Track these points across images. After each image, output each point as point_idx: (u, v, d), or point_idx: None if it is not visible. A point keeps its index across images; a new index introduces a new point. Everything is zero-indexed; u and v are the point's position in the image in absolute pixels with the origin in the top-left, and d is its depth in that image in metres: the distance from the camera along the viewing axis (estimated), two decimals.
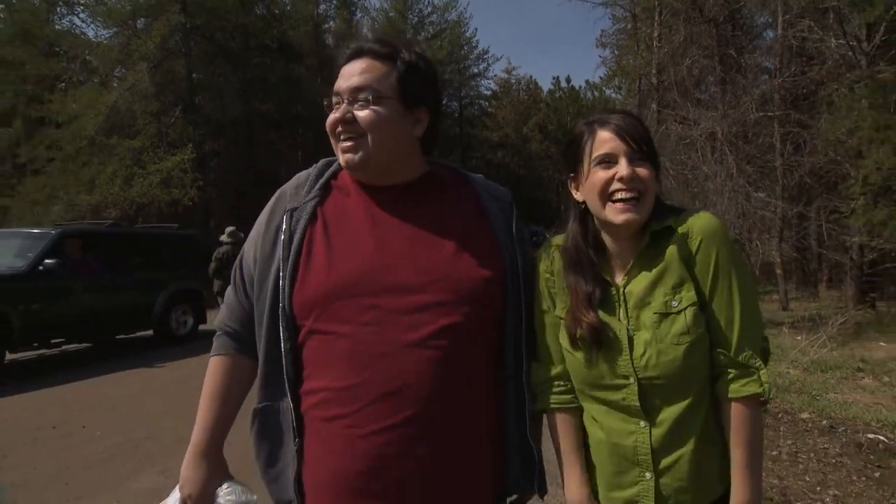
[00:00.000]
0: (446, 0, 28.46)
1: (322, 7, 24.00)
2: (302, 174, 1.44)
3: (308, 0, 23.49)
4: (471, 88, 35.09)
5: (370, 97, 1.27)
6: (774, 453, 4.51)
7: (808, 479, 4.08)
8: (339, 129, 1.29)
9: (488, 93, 38.17)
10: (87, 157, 16.28)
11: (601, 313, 1.27)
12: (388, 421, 1.24)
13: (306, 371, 1.32)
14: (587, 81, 40.89)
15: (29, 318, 6.88)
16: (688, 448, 1.27)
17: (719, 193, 11.00)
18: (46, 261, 7.07)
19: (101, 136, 15.62)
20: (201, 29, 16.48)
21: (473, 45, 30.75)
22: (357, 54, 1.31)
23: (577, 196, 1.33)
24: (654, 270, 1.27)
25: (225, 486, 1.41)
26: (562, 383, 1.40)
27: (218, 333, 1.45)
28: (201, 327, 9.49)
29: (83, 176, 16.13)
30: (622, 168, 1.21)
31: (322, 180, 1.39)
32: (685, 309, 1.22)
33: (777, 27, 12.57)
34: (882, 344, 8.88)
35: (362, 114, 1.27)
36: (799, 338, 8.45)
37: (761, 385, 1.21)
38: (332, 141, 1.33)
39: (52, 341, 7.53)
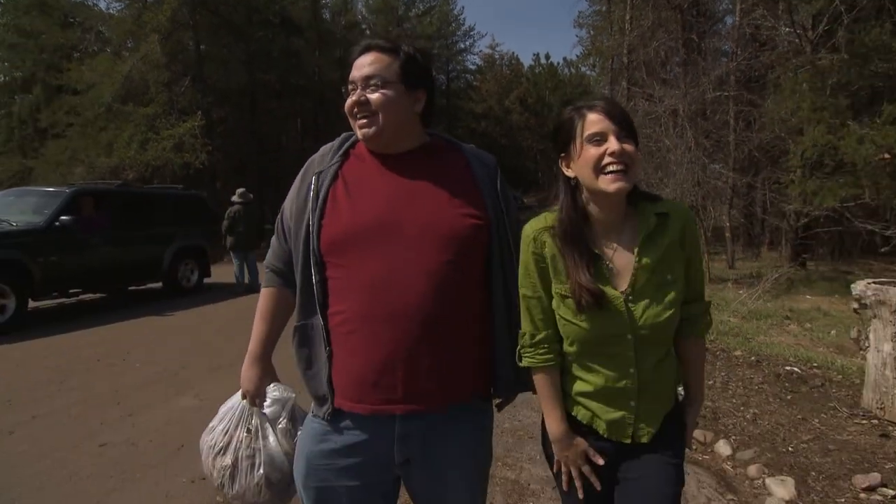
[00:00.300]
0: None
1: None
2: (326, 146, 1.57)
3: None
4: (457, 63, 34.61)
5: (379, 83, 1.40)
6: (710, 382, 4.78)
7: (734, 401, 4.42)
8: (356, 109, 1.42)
9: (473, 67, 37.76)
10: (104, 123, 15.99)
11: (599, 284, 1.36)
12: (396, 333, 1.38)
13: (331, 297, 1.45)
14: (564, 59, 40.64)
15: (48, 269, 6.83)
16: (661, 381, 1.43)
17: (679, 164, 11.19)
18: (62, 217, 6.99)
19: (117, 104, 15.36)
20: (207, 3, 16.05)
21: (461, 21, 30.20)
22: (366, 50, 1.44)
23: (569, 173, 1.38)
24: (658, 249, 1.36)
25: (272, 385, 1.59)
26: (545, 347, 1.47)
27: (266, 270, 1.63)
28: (206, 280, 9.47)
29: (101, 140, 15.87)
30: (612, 144, 1.27)
31: (342, 150, 1.52)
32: (677, 281, 1.35)
33: (735, 14, 12.55)
34: (808, 297, 9.34)
35: (373, 96, 1.40)
36: (741, 292, 8.89)
37: (710, 326, 1.47)
38: (350, 120, 1.45)
39: (70, 291, 7.51)
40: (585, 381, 1.43)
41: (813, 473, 3.18)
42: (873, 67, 8.26)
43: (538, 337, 1.45)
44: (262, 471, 1.56)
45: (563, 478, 1.48)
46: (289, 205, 1.54)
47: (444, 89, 33.04)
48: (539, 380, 1.48)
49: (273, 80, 20.09)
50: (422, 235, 1.42)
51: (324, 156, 1.53)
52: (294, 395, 1.64)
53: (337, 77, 23.28)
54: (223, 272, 10.18)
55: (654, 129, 12.06)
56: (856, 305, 4.05)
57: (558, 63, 41.12)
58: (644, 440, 1.41)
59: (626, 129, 1.30)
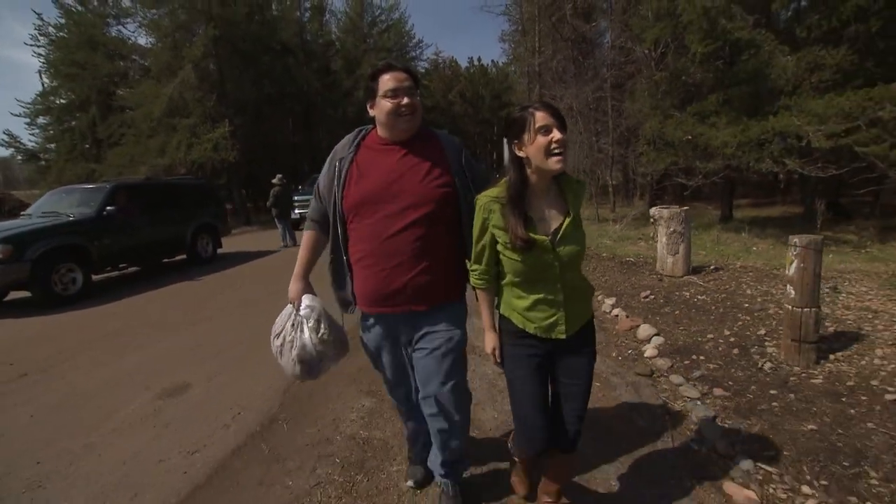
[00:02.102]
0: (391, 3, 27.88)
1: (304, 13, 23.68)
2: (346, 138, 1.71)
3: (292, 7, 23.03)
4: (411, 67, 34.50)
5: (414, 92, 1.57)
6: (591, 269, 6.33)
7: (601, 277, 5.85)
8: (404, 109, 1.56)
9: (423, 70, 37.66)
10: (152, 132, 16.60)
11: (530, 232, 1.43)
12: (391, 265, 1.59)
13: (351, 241, 1.66)
14: (492, 61, 42.03)
15: (102, 249, 6.74)
16: (578, 294, 1.56)
17: (574, 143, 12.43)
18: (108, 207, 6.92)
19: (165, 118, 16.06)
20: (226, 37, 16.62)
21: (412, 35, 30.34)
22: (395, 69, 1.59)
23: (521, 153, 1.43)
24: (577, 206, 1.49)
25: (306, 296, 1.77)
26: (484, 274, 1.59)
27: (308, 220, 1.80)
28: (219, 251, 9.31)
29: (151, 146, 16.45)
30: (556, 134, 1.35)
31: (356, 142, 1.66)
32: (581, 225, 1.52)
33: (609, 39, 13.85)
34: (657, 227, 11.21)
35: (415, 101, 1.57)
36: (617, 226, 10.28)
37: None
38: (393, 117, 1.57)
39: (120, 266, 7.39)
40: (524, 299, 1.53)
41: (630, 297, 4.99)
42: (683, 80, 10.16)
43: (478, 269, 1.59)
44: (295, 352, 1.70)
45: (494, 358, 1.65)
46: (322, 179, 1.71)
47: None
48: (479, 295, 1.66)
49: (274, 93, 20.65)
50: (405, 200, 1.57)
51: (343, 146, 1.68)
52: (320, 304, 1.77)
53: (319, 85, 23.96)
54: (229, 244, 10.11)
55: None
56: (652, 220, 6.18)
57: (487, 65, 42.19)
58: (570, 334, 1.53)
59: (562, 123, 1.38)
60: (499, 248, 1.49)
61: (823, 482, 1.98)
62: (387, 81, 1.55)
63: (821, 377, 2.87)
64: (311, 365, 1.73)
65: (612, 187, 14.43)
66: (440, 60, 40.92)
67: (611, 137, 13.68)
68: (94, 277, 6.89)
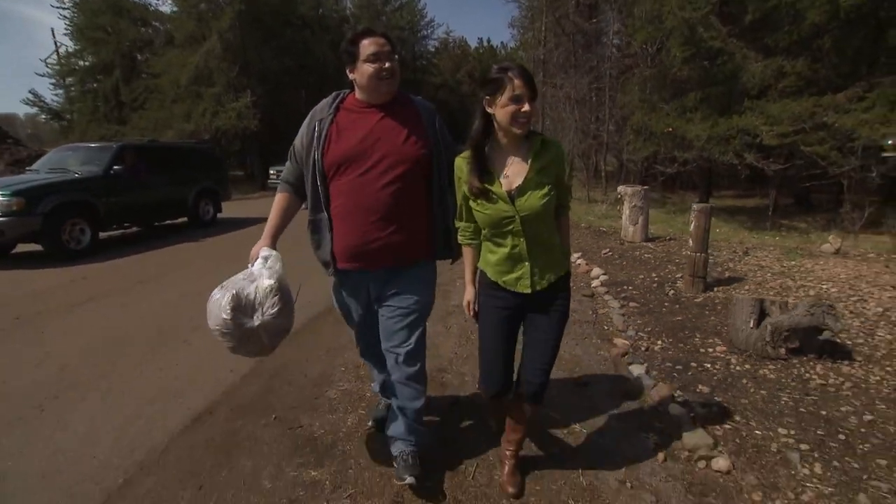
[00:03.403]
0: None
1: None
2: (324, 101, 1.77)
3: None
4: (421, 46, 35.58)
5: (394, 56, 1.65)
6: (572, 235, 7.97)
7: (573, 241, 7.32)
8: (385, 73, 1.63)
9: (433, 49, 38.62)
10: (178, 99, 17.76)
11: (486, 184, 1.55)
12: (370, 220, 1.68)
13: (332, 198, 1.74)
14: (502, 43, 43.11)
15: (109, 207, 6.78)
16: (543, 248, 1.63)
17: (570, 128, 13.51)
18: (115, 166, 6.96)
19: (191, 85, 17.20)
20: (249, 11, 17.61)
21: (424, 14, 31.36)
22: (376, 34, 1.65)
23: (490, 111, 1.51)
24: (540, 162, 1.55)
25: (264, 249, 1.75)
26: (469, 231, 1.72)
27: (282, 182, 1.85)
28: (219, 215, 9.38)
29: (177, 111, 17.69)
30: (526, 106, 1.45)
31: (335, 104, 1.74)
32: (550, 183, 1.56)
33: (610, 36, 14.90)
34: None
35: (395, 65, 1.65)
36: (603, 206, 11.13)
37: (568, 209, 1.71)
38: (375, 81, 1.63)
39: (125, 224, 7.48)
40: (494, 253, 1.65)
41: (593, 253, 6.34)
42: (671, 77, 11.33)
43: (461, 225, 1.73)
44: (232, 291, 1.61)
45: (469, 311, 1.77)
46: (299, 140, 1.76)
47: (411, 66, 34.48)
48: (464, 251, 1.78)
49: (292, 65, 21.64)
50: (385, 160, 1.66)
51: (323, 108, 1.74)
52: (275, 252, 1.75)
53: (331, 57, 24.97)
54: (228, 209, 10.22)
55: (557, 106, 14.31)
56: (619, 196, 7.56)
57: (497, 46, 42.91)
58: (539, 288, 1.63)
59: (534, 92, 1.46)
60: (471, 202, 1.61)
61: (669, 339, 3.42)
62: (367, 46, 1.61)
63: (701, 297, 4.31)
64: (239, 317, 1.59)
65: (606, 172, 15.34)
66: (450, 40, 41.88)
67: (606, 126, 14.45)
68: (101, 235, 6.94)
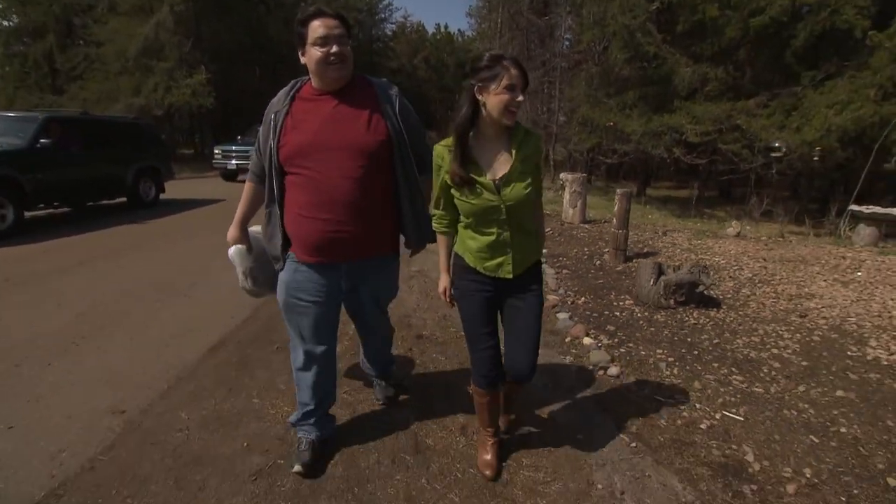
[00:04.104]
0: None
1: None
2: (281, 91, 1.71)
3: None
4: (379, 29, 35.55)
5: (345, 40, 1.58)
6: None
7: None
8: (333, 58, 1.56)
9: (390, 33, 38.54)
10: (125, 71, 17.11)
11: (472, 174, 1.56)
12: (330, 215, 1.64)
13: (288, 192, 1.70)
14: (459, 30, 43.65)
15: (35, 184, 6.21)
16: (526, 238, 1.69)
17: (522, 118, 14.79)
18: (41, 140, 6.36)
19: (141, 57, 16.64)
20: None
21: None
22: (326, 15, 1.56)
23: (481, 98, 1.51)
24: (524, 153, 1.59)
25: (233, 247, 1.98)
26: (444, 219, 1.74)
27: (249, 172, 1.90)
28: (162, 196, 8.92)
29: (124, 84, 17.06)
30: (519, 97, 1.49)
31: (291, 94, 1.68)
32: (532, 172, 1.61)
33: (562, 30, 15.94)
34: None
35: (345, 49, 1.58)
36: (550, 193, 12.03)
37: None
38: (322, 66, 1.57)
39: (54, 204, 6.88)
40: (476, 241, 1.66)
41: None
42: (614, 76, 12.49)
43: (437, 214, 1.74)
44: (239, 270, 2.02)
45: (445, 298, 1.81)
46: (262, 131, 1.74)
47: (368, 49, 34.36)
48: (438, 238, 1.80)
49: (246, 42, 21.32)
50: (344, 149, 1.61)
51: (279, 99, 1.70)
52: (244, 258, 1.98)
53: (285, 36, 24.63)
54: (173, 189, 9.72)
55: None
56: (561, 182, 8.52)
57: (454, 33, 43.45)
58: (518, 273, 1.67)
59: (526, 83, 1.51)
60: (452, 192, 1.62)
61: (591, 296, 4.31)
62: (317, 28, 1.54)
63: (621, 267, 5.25)
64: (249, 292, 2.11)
65: (554, 161, 16.46)
66: (408, 24, 41.91)
67: (556, 117, 15.66)
68: (27, 214, 6.40)
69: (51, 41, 19.32)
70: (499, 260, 1.66)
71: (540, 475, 1.98)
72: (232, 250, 1.96)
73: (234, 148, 12.39)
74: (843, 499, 1.89)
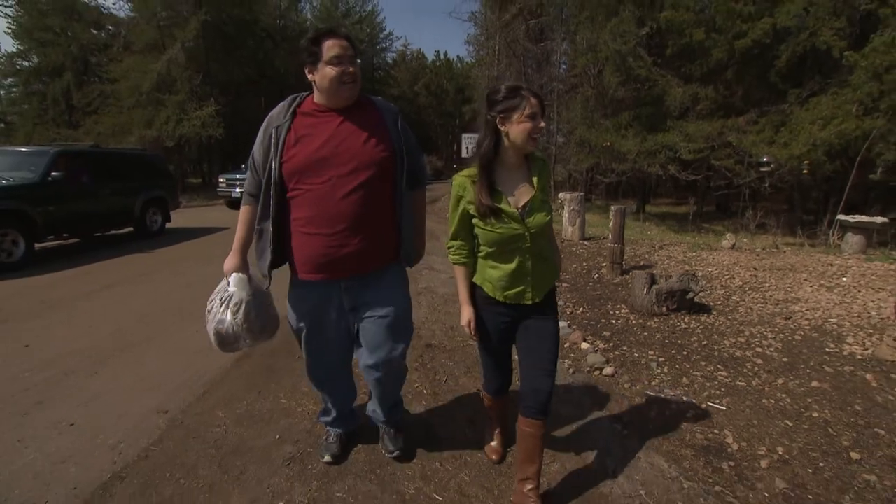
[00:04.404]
0: None
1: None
2: (280, 106, 1.69)
3: None
4: (380, 58, 36.58)
5: (356, 59, 1.62)
6: None
7: None
8: (347, 77, 1.58)
9: (391, 61, 39.67)
10: (139, 105, 17.80)
11: (496, 202, 1.58)
12: (333, 229, 1.63)
13: (293, 209, 1.66)
14: (458, 56, 44.51)
15: (46, 217, 6.35)
16: (545, 265, 1.72)
17: None
18: (53, 173, 6.50)
19: (154, 92, 17.40)
20: (213, 23, 18.12)
21: (383, 27, 32.41)
22: (339, 35, 1.60)
23: (503, 128, 1.56)
24: (541, 181, 1.64)
25: (233, 275, 1.80)
26: (464, 249, 1.71)
27: (245, 194, 1.80)
28: (168, 225, 9.07)
29: (137, 117, 17.77)
30: (540, 123, 1.55)
31: (291, 109, 1.66)
32: (549, 199, 1.67)
33: (558, 55, 16.78)
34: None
35: (356, 68, 1.61)
36: (554, 211, 13.56)
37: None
38: (337, 85, 1.58)
39: (64, 235, 6.98)
40: (498, 269, 1.66)
41: None
42: (609, 98, 12.97)
43: (455, 245, 1.73)
44: (213, 325, 1.77)
45: (469, 330, 1.75)
46: (257, 149, 1.70)
47: (370, 77, 35.38)
48: (457, 271, 1.75)
49: (252, 74, 22.20)
50: (347, 166, 1.62)
51: (279, 113, 1.67)
52: (247, 288, 1.78)
53: (291, 67, 25.50)
54: (179, 218, 10.01)
55: None
56: (560, 201, 8.85)
57: (453, 59, 44.57)
58: (537, 301, 1.69)
59: (544, 111, 1.58)
60: (474, 221, 1.62)
61: (588, 307, 4.58)
62: (331, 48, 1.56)
63: (618, 279, 5.53)
64: (225, 340, 1.77)
65: (554, 181, 16.67)
66: (408, 53, 43.14)
67: (555, 139, 16.14)
68: (37, 246, 6.53)
69: (68, 79, 20.22)
70: (520, 288, 1.67)
71: None
72: (232, 278, 1.79)
73: (238, 176, 12.73)
74: (810, 471, 2.14)
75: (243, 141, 22.28)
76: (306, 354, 1.95)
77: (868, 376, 2.98)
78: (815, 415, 2.59)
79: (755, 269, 5.73)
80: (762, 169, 9.10)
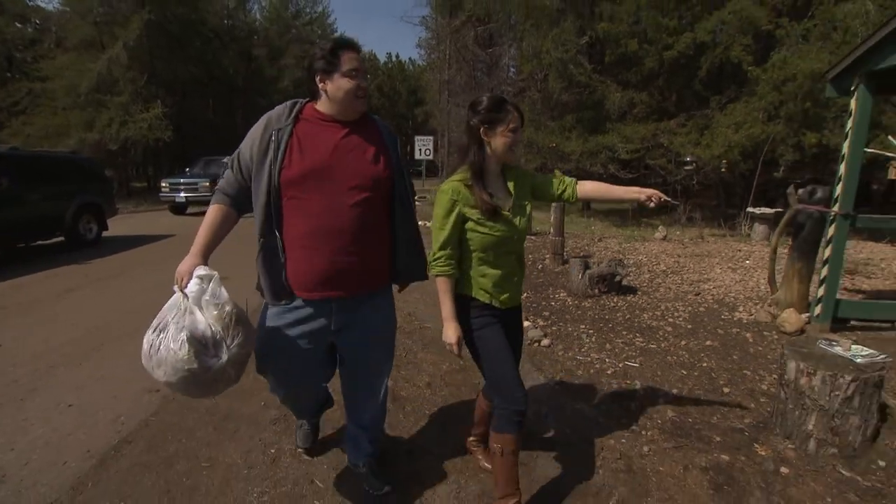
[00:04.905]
0: None
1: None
2: (279, 108, 1.62)
3: None
4: None
5: (367, 75, 1.65)
6: None
7: None
8: (361, 92, 1.57)
9: None
10: (76, 106, 16.93)
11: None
12: (335, 245, 1.57)
13: (287, 219, 1.57)
14: (410, 59, 44.58)
15: None
16: (522, 265, 1.82)
17: None
18: None
19: (93, 93, 16.67)
20: (158, 23, 17.64)
21: (334, 29, 32.07)
22: (356, 47, 1.58)
23: (486, 139, 1.62)
24: (518, 187, 1.72)
25: (198, 267, 1.52)
26: (450, 259, 1.66)
27: (218, 192, 1.64)
28: (105, 233, 8.40)
29: (75, 119, 16.89)
30: (520, 137, 1.64)
31: (293, 114, 1.59)
32: (529, 203, 1.74)
33: (506, 59, 17.63)
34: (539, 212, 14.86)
35: (367, 85, 1.61)
36: None
37: None
38: (352, 97, 1.55)
39: None
40: (488, 276, 1.69)
41: None
42: (554, 102, 13.80)
43: (444, 255, 1.66)
44: (185, 331, 1.37)
45: (456, 349, 1.65)
46: (248, 150, 1.59)
47: None
48: (442, 283, 1.68)
49: (200, 75, 21.65)
50: (350, 179, 1.57)
51: (279, 116, 1.59)
52: (216, 273, 1.49)
53: (240, 68, 25.13)
54: (117, 226, 9.23)
55: (461, 123, 16.66)
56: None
57: (406, 61, 44.78)
58: (519, 302, 1.83)
59: (523, 124, 1.65)
60: (469, 226, 1.64)
61: (532, 292, 5.15)
62: (351, 60, 1.54)
63: (559, 269, 6.17)
64: (205, 360, 1.39)
65: None
66: None
67: None
68: None
69: None
70: (510, 291, 1.75)
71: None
72: (198, 271, 1.48)
73: (182, 180, 12.08)
74: (693, 403, 2.76)
75: (191, 143, 21.84)
76: (275, 380, 1.87)
77: (747, 335, 3.69)
78: (704, 364, 3.24)
79: (678, 256, 6.53)
80: (686, 168, 10.11)
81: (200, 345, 1.39)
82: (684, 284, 5.19)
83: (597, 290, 4.86)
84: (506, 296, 1.73)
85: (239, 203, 1.64)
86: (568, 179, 1.80)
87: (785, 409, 2.37)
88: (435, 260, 1.67)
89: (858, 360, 2.21)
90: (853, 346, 2.34)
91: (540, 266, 6.34)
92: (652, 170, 11.71)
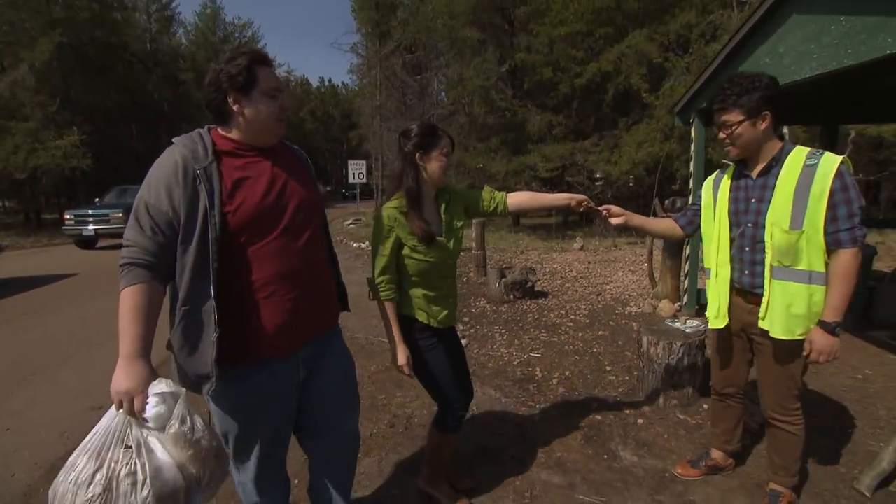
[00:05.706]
0: (243, 21, 29.45)
1: (151, 21, 23.97)
2: (185, 143, 1.29)
3: (136, 13, 23.21)
4: None
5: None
6: None
7: None
8: (282, 114, 1.37)
9: None
10: None
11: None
12: (299, 288, 1.40)
13: (242, 271, 1.31)
14: (342, 83, 44.93)
15: None
16: (455, 284, 1.91)
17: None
18: None
19: None
20: (69, 43, 16.85)
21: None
22: (270, 63, 1.36)
23: (422, 164, 1.70)
24: (450, 209, 1.80)
25: (155, 381, 1.14)
26: (392, 283, 1.71)
27: (130, 267, 1.22)
28: None
29: None
30: (448, 161, 1.74)
31: (210, 147, 1.30)
32: (462, 224, 1.83)
33: (435, 85, 18.55)
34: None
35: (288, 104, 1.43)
36: None
37: None
38: (273, 122, 1.35)
39: None
40: (428, 297, 1.76)
41: None
42: (479, 125, 14.75)
43: (385, 279, 1.70)
44: (147, 490, 1.02)
45: (407, 370, 1.74)
46: (165, 199, 1.23)
47: None
48: (388, 307, 1.72)
49: (122, 100, 20.81)
50: (299, 212, 1.42)
51: (194, 153, 1.27)
52: (183, 391, 1.15)
53: (166, 92, 24.42)
54: (12, 263, 8.53)
55: (393, 147, 17.17)
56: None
57: (338, 85, 45.32)
58: (455, 322, 1.92)
59: (454, 149, 1.75)
60: (405, 252, 1.69)
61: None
62: (270, 78, 1.33)
63: (481, 280, 6.75)
64: None
65: None
66: (292, 79, 42.32)
67: None
68: None
69: None
70: (447, 311, 1.82)
71: (406, 399, 3.17)
72: (159, 387, 1.14)
73: (90, 212, 11.05)
74: (581, 381, 3.34)
75: (112, 172, 20.88)
76: (246, 464, 1.48)
77: (634, 324, 4.39)
78: (594, 350, 3.87)
79: (590, 263, 7.33)
80: (596, 183, 11.20)
81: (169, 498, 1.07)
82: (590, 287, 5.92)
83: (512, 296, 5.45)
84: (444, 315, 1.81)
85: (162, 273, 1.25)
86: (498, 193, 1.90)
87: (643, 375, 2.99)
88: (378, 284, 1.71)
89: (688, 331, 2.87)
90: (688, 321, 3.01)
91: (465, 278, 6.90)
92: (571, 187, 12.76)
